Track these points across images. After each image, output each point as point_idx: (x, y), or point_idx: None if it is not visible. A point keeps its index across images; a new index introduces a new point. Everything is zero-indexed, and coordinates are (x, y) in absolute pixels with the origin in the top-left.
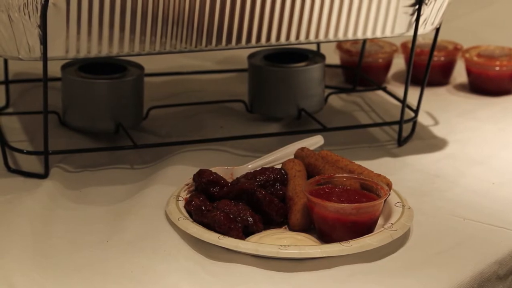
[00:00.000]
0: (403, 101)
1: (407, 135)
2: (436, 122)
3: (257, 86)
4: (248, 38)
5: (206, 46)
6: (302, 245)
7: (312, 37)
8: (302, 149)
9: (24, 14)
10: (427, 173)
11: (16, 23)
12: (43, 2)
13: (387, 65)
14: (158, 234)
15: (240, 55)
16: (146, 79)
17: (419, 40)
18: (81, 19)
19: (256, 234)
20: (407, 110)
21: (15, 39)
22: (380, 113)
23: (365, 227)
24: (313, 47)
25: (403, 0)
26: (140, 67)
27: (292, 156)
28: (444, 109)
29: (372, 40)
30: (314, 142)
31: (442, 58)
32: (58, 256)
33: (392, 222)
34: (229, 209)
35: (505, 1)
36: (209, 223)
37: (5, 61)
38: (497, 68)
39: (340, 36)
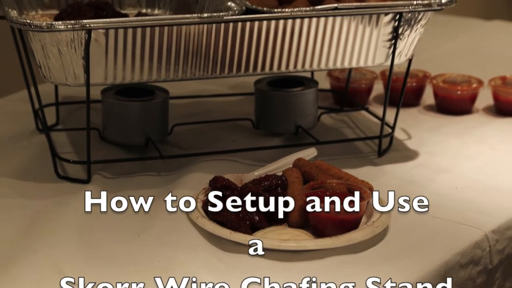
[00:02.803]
0: (382, 119)
1: (385, 147)
2: (409, 137)
3: (262, 107)
4: (254, 67)
5: (220, 74)
6: (300, 239)
7: (307, 66)
8: (299, 159)
9: (71, 48)
10: (402, 179)
11: (65, 55)
12: (86, 38)
13: (369, 89)
14: (180, 230)
15: (248, 81)
16: (171, 101)
17: (395, 69)
18: (117, 52)
19: (261, 230)
20: (385, 127)
21: (64, 68)
22: (363, 129)
23: (351, 224)
24: (308, 75)
25: (382, 36)
26: (165, 91)
27: (291, 165)
28: (416, 126)
29: (357, 69)
30: (309, 153)
31: (414, 84)
32: (99, 247)
33: (374, 220)
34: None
35: (465, 38)
36: (223, 221)
37: (56, 87)
38: (459, 92)
39: (330, 65)
